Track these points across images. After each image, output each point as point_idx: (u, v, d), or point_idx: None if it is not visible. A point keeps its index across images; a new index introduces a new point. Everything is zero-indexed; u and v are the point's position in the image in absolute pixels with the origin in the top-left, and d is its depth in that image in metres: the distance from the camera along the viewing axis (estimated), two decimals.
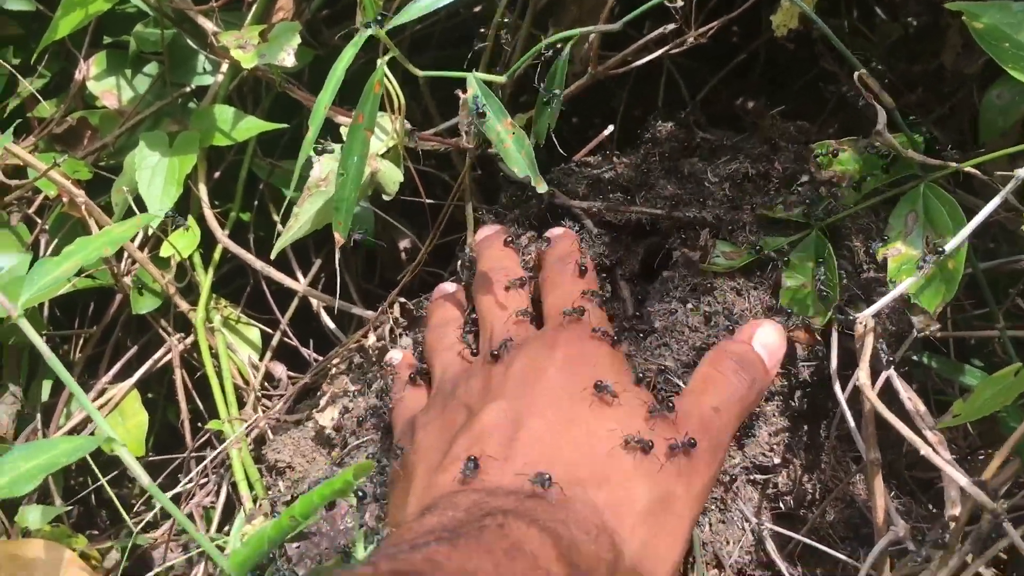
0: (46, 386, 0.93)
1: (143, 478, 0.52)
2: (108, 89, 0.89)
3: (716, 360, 0.59)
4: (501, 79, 0.61)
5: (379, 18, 0.56)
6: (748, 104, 0.83)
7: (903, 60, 0.79)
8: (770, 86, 0.91)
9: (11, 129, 0.60)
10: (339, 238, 0.61)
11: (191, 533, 0.51)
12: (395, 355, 0.69)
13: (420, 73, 0.61)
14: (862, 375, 0.51)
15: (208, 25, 0.83)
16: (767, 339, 0.60)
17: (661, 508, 0.50)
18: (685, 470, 0.53)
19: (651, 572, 0.49)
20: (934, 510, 0.69)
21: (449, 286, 0.71)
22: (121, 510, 0.74)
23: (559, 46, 0.61)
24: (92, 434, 0.81)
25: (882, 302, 0.51)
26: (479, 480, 0.50)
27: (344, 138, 0.60)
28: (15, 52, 0.94)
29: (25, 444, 0.52)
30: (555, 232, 0.68)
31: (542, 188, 0.58)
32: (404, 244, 1.03)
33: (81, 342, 0.95)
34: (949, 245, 0.51)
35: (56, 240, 0.86)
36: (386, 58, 0.57)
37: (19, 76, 0.91)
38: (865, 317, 0.52)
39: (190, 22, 0.85)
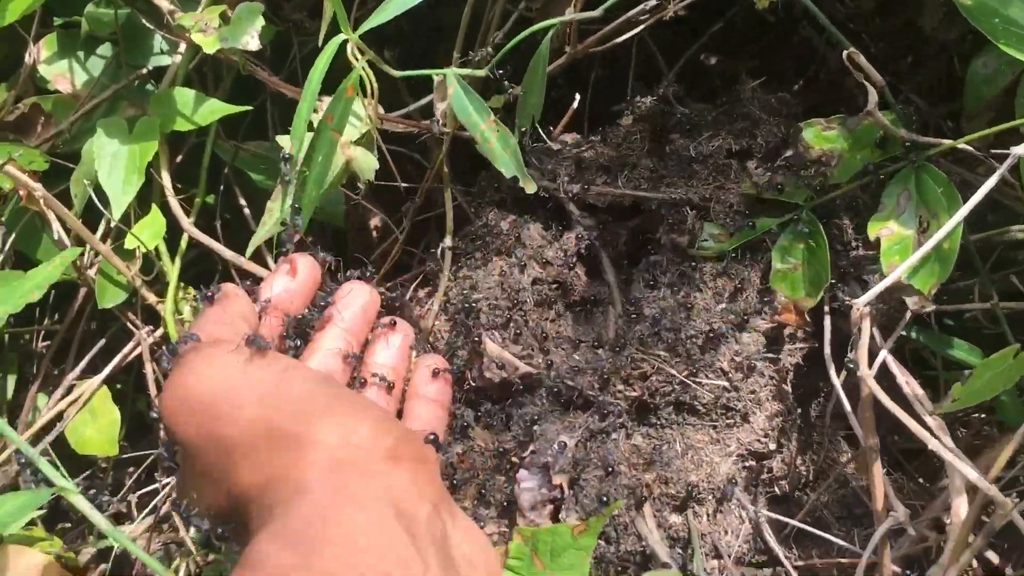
0: (11, 381, 0.90)
1: (101, 523, 0.53)
2: (60, 73, 0.85)
3: None
4: (480, 73, 0.59)
5: None
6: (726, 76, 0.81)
7: (880, 29, 0.77)
8: (743, 57, 0.89)
9: None
10: (294, 234, 0.60)
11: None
12: None
13: (397, 73, 0.58)
14: (862, 365, 0.50)
15: (163, 3, 0.79)
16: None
17: None
18: None
19: None
20: (922, 481, 0.69)
21: None
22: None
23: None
24: (63, 432, 0.80)
25: (878, 288, 0.50)
26: None
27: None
28: None
29: None
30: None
31: (531, 188, 0.57)
32: (375, 222, 1.01)
33: (43, 333, 0.92)
34: (945, 227, 0.50)
35: (14, 234, 0.82)
36: (363, 60, 0.54)
37: None
38: (861, 303, 0.51)
39: (144, 0, 0.81)
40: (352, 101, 0.55)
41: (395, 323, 0.61)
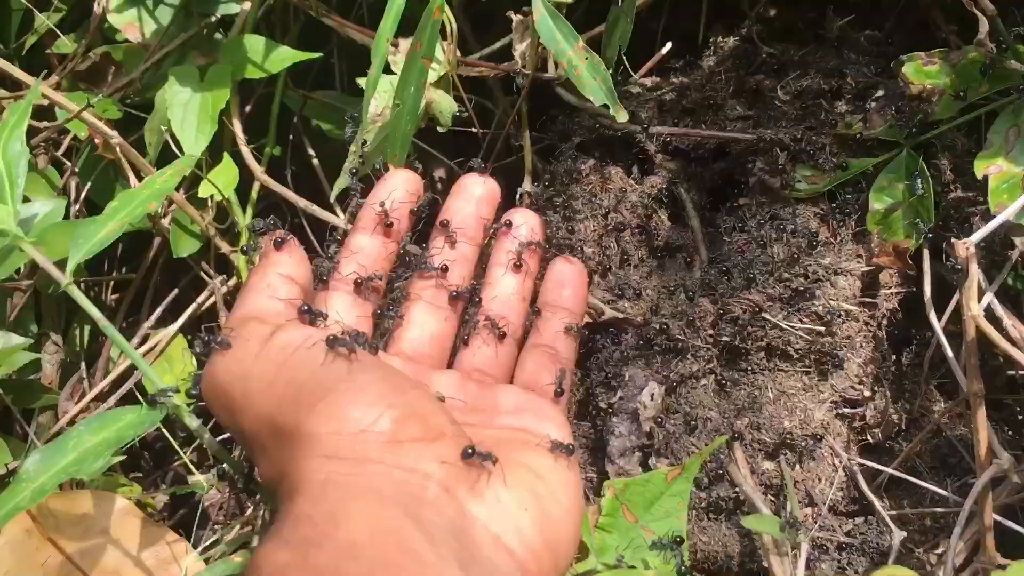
0: (86, 331, 0.91)
1: (212, 444, 0.53)
2: (130, 22, 0.84)
3: None
4: None
5: None
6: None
7: None
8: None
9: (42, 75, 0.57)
10: (394, 169, 0.59)
11: None
12: None
13: None
14: (971, 304, 0.48)
15: None
16: None
17: None
18: None
19: None
20: (1010, 432, 0.67)
21: None
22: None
23: None
24: (140, 381, 0.80)
25: (990, 226, 0.48)
26: None
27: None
28: None
29: (90, 418, 0.51)
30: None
31: (622, 117, 0.55)
32: (439, 174, 1.00)
33: (113, 284, 0.92)
34: None
35: (89, 183, 0.82)
36: None
37: (35, 10, 0.87)
38: (972, 242, 0.48)
39: None
40: (439, 24, 0.53)
41: (511, 223, 0.59)
